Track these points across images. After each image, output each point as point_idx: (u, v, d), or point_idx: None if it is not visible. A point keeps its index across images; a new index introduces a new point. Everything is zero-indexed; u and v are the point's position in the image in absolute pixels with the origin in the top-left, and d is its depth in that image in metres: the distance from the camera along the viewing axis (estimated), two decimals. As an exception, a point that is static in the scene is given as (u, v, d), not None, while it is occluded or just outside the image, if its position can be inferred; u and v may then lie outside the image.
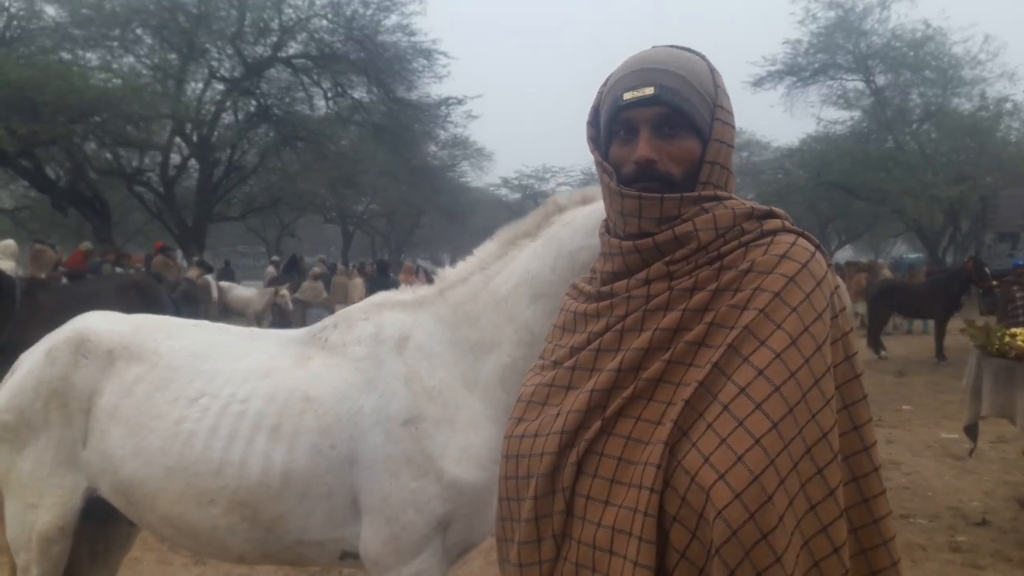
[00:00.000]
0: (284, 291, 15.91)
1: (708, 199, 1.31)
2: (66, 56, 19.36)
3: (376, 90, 23.59)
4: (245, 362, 2.49)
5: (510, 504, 1.36)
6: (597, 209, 2.16)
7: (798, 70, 28.12)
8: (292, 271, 21.51)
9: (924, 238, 29.62)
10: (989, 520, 5.34)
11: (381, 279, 14.81)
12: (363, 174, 26.14)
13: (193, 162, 22.99)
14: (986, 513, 5.48)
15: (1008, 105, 26.44)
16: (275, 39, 21.91)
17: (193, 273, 14.37)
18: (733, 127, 1.36)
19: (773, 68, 28.22)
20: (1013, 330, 5.41)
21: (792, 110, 29.41)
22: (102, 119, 17.69)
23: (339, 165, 23.89)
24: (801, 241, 1.28)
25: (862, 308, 16.00)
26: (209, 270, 16.31)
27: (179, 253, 18.76)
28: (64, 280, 10.00)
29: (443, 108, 25.22)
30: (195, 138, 21.68)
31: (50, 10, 19.67)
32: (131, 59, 21.23)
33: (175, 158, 22.86)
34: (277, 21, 21.50)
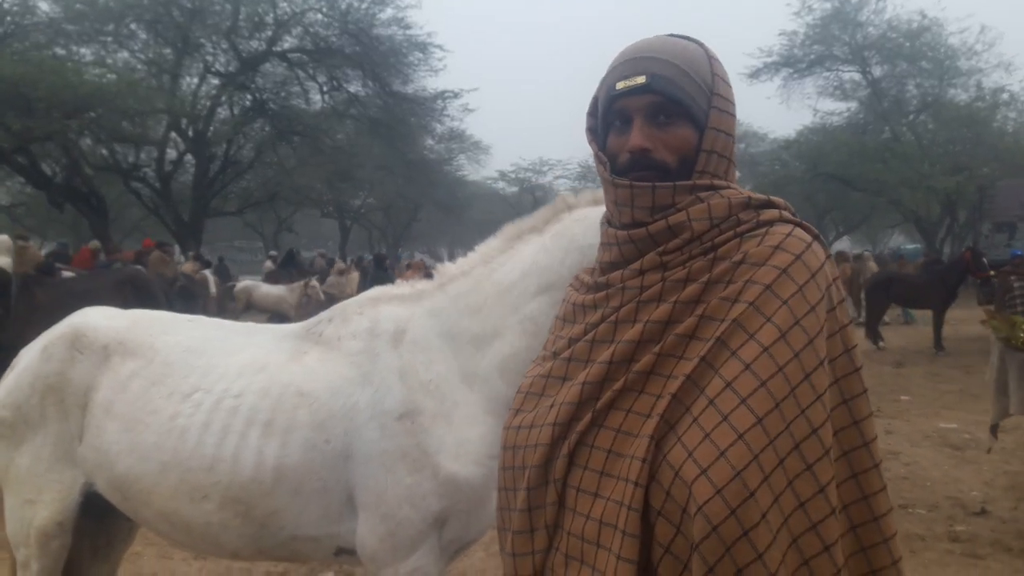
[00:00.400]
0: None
1: (703, 188, 1.29)
2: (60, 52, 19.27)
3: (372, 84, 23.52)
4: (239, 357, 2.47)
5: (507, 494, 1.36)
6: None
7: (794, 61, 28.08)
8: (289, 266, 21.51)
9: (921, 229, 29.63)
10: (988, 510, 5.34)
11: (378, 273, 14.78)
12: (360, 168, 26.11)
13: (189, 157, 22.95)
14: (985, 503, 5.48)
15: (1004, 95, 26.45)
16: (270, 33, 21.83)
17: (191, 268, 14.35)
18: (732, 115, 1.34)
19: (769, 60, 28.17)
20: None
21: (789, 102, 29.35)
22: (97, 114, 17.61)
23: (335, 159, 23.86)
24: (797, 231, 1.26)
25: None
26: (207, 265, 16.29)
27: (176, 249, 18.71)
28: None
29: (439, 102, 25.17)
30: (191, 133, 21.62)
31: (44, 6, 19.58)
32: (125, 54, 21.16)
33: (171, 153, 22.81)
34: (272, 15, 21.42)
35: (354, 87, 23.88)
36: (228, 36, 21.21)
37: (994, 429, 5.55)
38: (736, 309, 1.19)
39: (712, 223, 1.27)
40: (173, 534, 2.50)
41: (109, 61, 19.96)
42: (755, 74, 28.45)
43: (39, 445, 2.57)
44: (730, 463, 1.08)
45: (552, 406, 1.30)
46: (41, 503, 2.56)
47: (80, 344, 2.58)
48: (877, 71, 27.85)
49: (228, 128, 21.64)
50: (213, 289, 14.64)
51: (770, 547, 1.08)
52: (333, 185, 27.24)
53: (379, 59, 22.36)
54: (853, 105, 29.75)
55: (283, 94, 23.43)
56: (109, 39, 20.42)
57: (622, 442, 1.20)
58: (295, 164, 24.25)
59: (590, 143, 1.41)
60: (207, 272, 15.21)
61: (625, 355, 1.25)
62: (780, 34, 27.83)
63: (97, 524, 2.77)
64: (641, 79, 1.28)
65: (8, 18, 19.20)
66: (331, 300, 15.08)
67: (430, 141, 30.31)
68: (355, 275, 16.37)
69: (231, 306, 15.77)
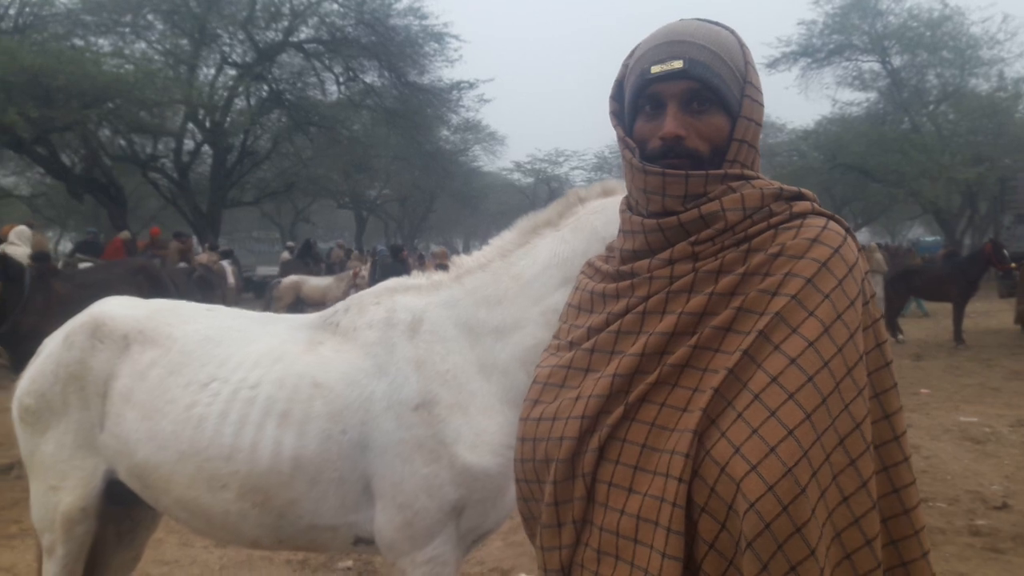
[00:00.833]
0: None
1: (735, 178, 1.26)
2: (78, 42, 19.37)
3: (388, 74, 23.52)
4: (256, 347, 2.48)
5: (529, 486, 1.34)
6: None
7: (813, 51, 27.81)
8: (306, 256, 21.60)
9: (941, 220, 29.32)
10: (1010, 504, 5.30)
11: (395, 265, 14.82)
12: (376, 159, 26.16)
13: (206, 148, 23.05)
14: (1006, 497, 5.43)
15: (1027, 85, 26.10)
16: (286, 23, 21.85)
17: (208, 259, 14.45)
18: (762, 105, 1.32)
19: (788, 49, 27.92)
20: None
21: (807, 92, 29.06)
22: (115, 105, 17.72)
23: (352, 150, 23.91)
24: (832, 225, 1.25)
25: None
26: (226, 255, 16.39)
27: (195, 239, 18.82)
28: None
29: (455, 92, 25.13)
30: (208, 124, 21.70)
31: (62, -4, 19.71)
32: (143, 45, 21.23)
33: (188, 144, 22.94)
34: (288, 5, 21.44)
35: (370, 77, 23.89)
36: (245, 26, 21.26)
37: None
38: (777, 302, 1.17)
39: (745, 213, 1.24)
40: (192, 522, 2.52)
41: (127, 52, 20.02)
42: (773, 64, 28.23)
43: (62, 432, 2.60)
44: (780, 460, 1.07)
45: (578, 398, 1.27)
46: (65, 489, 2.59)
47: (100, 333, 2.61)
48: (897, 61, 27.54)
49: (245, 119, 21.71)
50: (231, 279, 14.73)
51: (819, 542, 1.07)
52: (349, 176, 27.30)
53: (395, 49, 22.35)
54: (872, 95, 29.47)
55: (299, 85, 23.48)
56: (127, 30, 20.50)
57: (657, 436, 1.18)
58: (312, 155, 24.33)
59: (615, 127, 1.37)
60: (225, 262, 15.30)
61: (658, 347, 1.22)
62: (799, 23, 27.60)
63: (121, 510, 2.81)
64: (678, 64, 1.25)
65: (27, 9, 19.34)
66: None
67: (446, 132, 30.34)
68: (369, 265, 16.48)
69: (246, 296, 15.86)
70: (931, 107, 27.72)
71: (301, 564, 4.58)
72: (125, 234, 15.17)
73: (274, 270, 24.79)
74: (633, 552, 1.17)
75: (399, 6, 22.20)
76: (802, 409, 1.09)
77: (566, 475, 1.25)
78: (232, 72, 22.35)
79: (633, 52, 1.35)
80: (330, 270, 20.53)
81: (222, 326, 2.60)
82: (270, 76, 22.68)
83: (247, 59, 22.24)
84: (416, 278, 2.53)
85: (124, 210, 20.45)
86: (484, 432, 2.22)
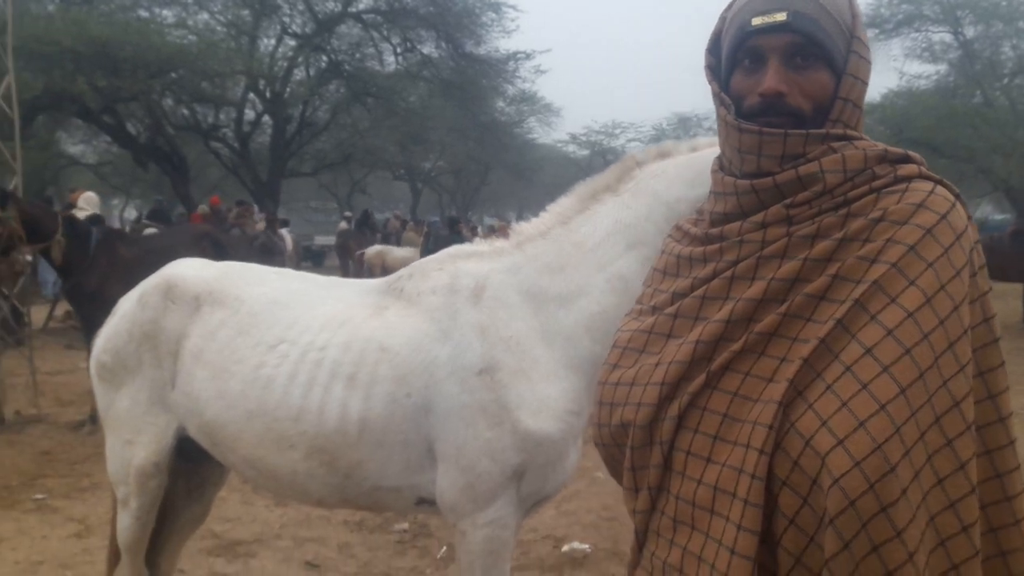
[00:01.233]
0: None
1: (837, 138, 1.19)
2: (143, 14, 19.75)
3: (445, 45, 23.48)
4: (322, 310, 2.52)
5: (608, 450, 1.33)
6: (690, 161, 2.15)
7: (881, 22, 26.84)
8: (364, 226, 21.84)
9: (1013, 198, 28.26)
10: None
11: (451, 237, 14.90)
12: (432, 130, 26.19)
13: (267, 118, 23.37)
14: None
15: (1109, 57, 24.89)
16: (346, -6, 21.96)
17: (258, 227, 14.78)
18: (869, 61, 1.25)
19: (855, 20, 27.04)
20: None
21: (874, 64, 27.95)
22: (179, 75, 18.07)
23: (408, 121, 23.96)
24: (940, 189, 1.17)
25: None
26: (283, 225, 16.72)
27: (255, 208, 19.17)
28: None
29: (511, 63, 25.02)
30: (268, 94, 21.99)
31: (128, -32, 20.06)
32: (205, 16, 21.52)
33: (249, 114, 23.26)
34: (348, -25, 21.53)
35: (427, 48, 23.89)
36: (305, -3, 21.42)
37: None
38: (875, 270, 1.10)
39: (846, 176, 1.18)
40: (260, 480, 2.59)
41: (190, 23, 20.34)
42: (839, 35, 27.38)
43: (136, 389, 2.69)
44: (870, 435, 1.01)
45: (658, 364, 1.23)
46: (139, 444, 2.69)
47: (173, 294, 2.68)
48: (970, 31, 26.44)
49: (304, 89, 21.93)
50: (289, 246, 15.05)
51: (910, 525, 1.02)
52: (405, 147, 27.40)
53: (452, 20, 22.28)
54: (943, 68, 28.35)
55: (358, 56, 23.57)
56: (190, 1, 20.81)
57: (739, 406, 1.14)
58: (368, 126, 24.46)
59: (709, 82, 1.31)
60: (284, 231, 15.61)
61: (745, 314, 1.17)
62: (867, -7, 26.67)
63: (191, 466, 2.90)
64: (781, 16, 1.18)
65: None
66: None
67: (501, 103, 30.15)
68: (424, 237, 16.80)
69: (304, 265, 16.19)
70: (1005, 80, 26.60)
71: (358, 525, 4.69)
72: (203, 208, 15.61)
73: (331, 240, 25.17)
74: (709, 522, 1.14)
75: (457, -25, 22.11)
76: (896, 383, 1.04)
77: (643, 441, 1.23)
78: (292, 43, 22.58)
79: (733, 3, 1.29)
80: (386, 240, 20.75)
81: (289, 289, 2.65)
82: (329, 47, 22.83)
83: (306, 30, 22.41)
84: (478, 245, 2.54)
85: (186, 179, 20.92)
86: (547, 398, 2.23)
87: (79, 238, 7.00)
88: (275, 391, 2.43)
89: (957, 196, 1.19)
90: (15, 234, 6.47)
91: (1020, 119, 23.51)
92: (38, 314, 10.90)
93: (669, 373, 1.21)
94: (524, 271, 2.35)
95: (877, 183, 1.18)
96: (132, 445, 2.70)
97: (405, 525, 4.67)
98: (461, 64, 23.71)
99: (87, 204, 10.52)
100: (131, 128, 20.71)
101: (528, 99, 31.86)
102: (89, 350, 3.04)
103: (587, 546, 4.39)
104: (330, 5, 22.38)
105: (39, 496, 5.13)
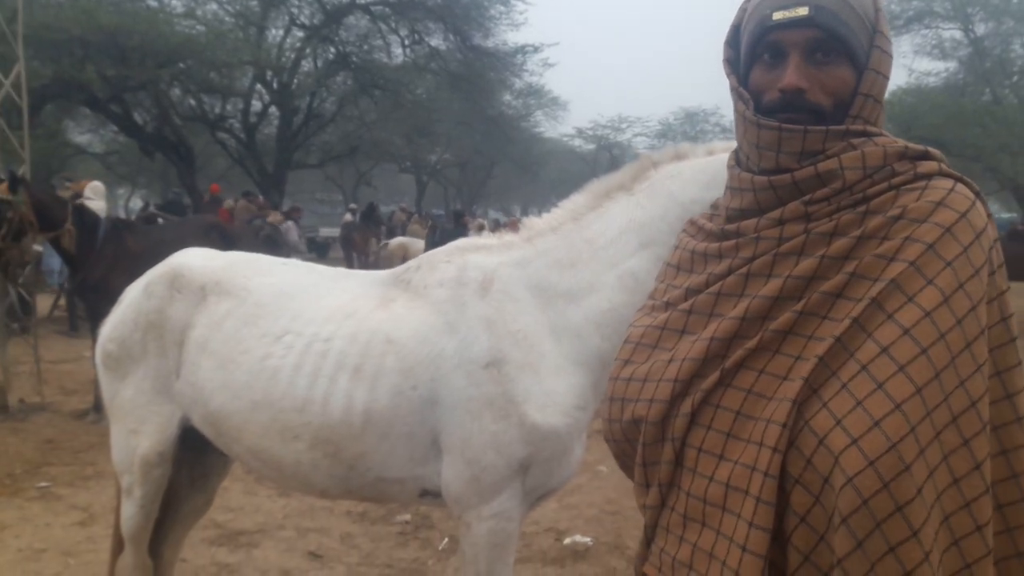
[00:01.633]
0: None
1: (856, 134, 1.18)
2: (152, 3, 19.74)
3: (452, 37, 23.42)
4: (329, 301, 2.52)
5: (619, 446, 1.32)
6: (707, 164, 2.13)
7: (891, 18, 26.35)
8: (369, 219, 21.85)
9: (1020, 197, 28.16)
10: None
11: (456, 231, 14.90)
12: (438, 123, 26.16)
13: (273, 109, 23.36)
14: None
15: (1120, 57, 24.74)
16: (354, -15, 21.93)
17: (275, 218, 14.79)
18: (891, 56, 1.23)
19: (864, 16, 26.92)
20: None
21: (885, 61, 28.04)
22: (187, 65, 18.04)
23: (414, 114, 23.94)
24: (960, 187, 1.16)
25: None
26: (288, 216, 16.74)
27: (261, 199, 19.17)
28: None
29: (519, 56, 24.93)
30: (275, 85, 21.97)
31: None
32: (214, 6, 21.49)
33: (256, 105, 23.24)
34: (356, -33, 21.49)
35: (435, 41, 23.84)
36: (313, -12, 21.39)
37: None
38: (893, 268, 1.10)
39: (865, 172, 1.17)
40: (264, 470, 2.59)
41: (199, 13, 20.31)
42: (848, 31, 27.26)
43: (141, 378, 2.69)
44: (884, 434, 1.01)
45: (671, 361, 1.23)
46: (143, 434, 2.69)
47: (179, 283, 2.67)
48: (980, 29, 26.30)
49: (311, 81, 21.90)
50: (295, 237, 15.08)
51: (925, 524, 1.01)
52: (411, 140, 27.39)
53: (460, 12, 22.24)
54: (952, 65, 28.21)
55: (365, 47, 23.53)
56: (199, -10, 20.82)
57: (753, 404, 1.14)
58: (375, 118, 24.45)
59: (728, 76, 1.29)
60: (289, 222, 15.63)
61: (760, 311, 1.17)
62: (877, -12, 26.53)
63: (195, 456, 2.90)
64: (803, 10, 1.17)
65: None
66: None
67: (508, 96, 30.11)
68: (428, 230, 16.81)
69: (309, 256, 16.23)
70: (1015, 79, 26.47)
71: (361, 516, 4.70)
72: (229, 203, 15.72)
73: (336, 232, 25.18)
74: (720, 519, 1.14)
75: (465, -32, 22.06)
76: (912, 382, 1.03)
77: (655, 438, 1.22)
78: (300, 34, 22.55)
79: None
80: (391, 232, 20.76)
81: (296, 280, 2.65)
82: (336, 38, 22.80)
83: (314, 21, 22.38)
84: (487, 238, 2.53)
85: (192, 169, 20.91)
86: (554, 392, 2.22)
87: (88, 228, 6.99)
88: (280, 382, 2.42)
89: (977, 194, 1.18)
90: (26, 219, 6.45)
91: (1030, 118, 23.38)
92: (43, 303, 10.93)
93: (682, 370, 1.20)
94: (533, 265, 2.34)
95: (896, 180, 1.17)
96: (136, 434, 2.70)
97: (407, 517, 4.67)
98: (469, 57, 23.66)
99: (94, 193, 10.52)
100: (138, 118, 20.70)
101: (535, 92, 31.82)
102: (94, 339, 3.03)
103: (589, 539, 4.40)
104: (338, -4, 22.37)
105: (43, 484, 5.15)
